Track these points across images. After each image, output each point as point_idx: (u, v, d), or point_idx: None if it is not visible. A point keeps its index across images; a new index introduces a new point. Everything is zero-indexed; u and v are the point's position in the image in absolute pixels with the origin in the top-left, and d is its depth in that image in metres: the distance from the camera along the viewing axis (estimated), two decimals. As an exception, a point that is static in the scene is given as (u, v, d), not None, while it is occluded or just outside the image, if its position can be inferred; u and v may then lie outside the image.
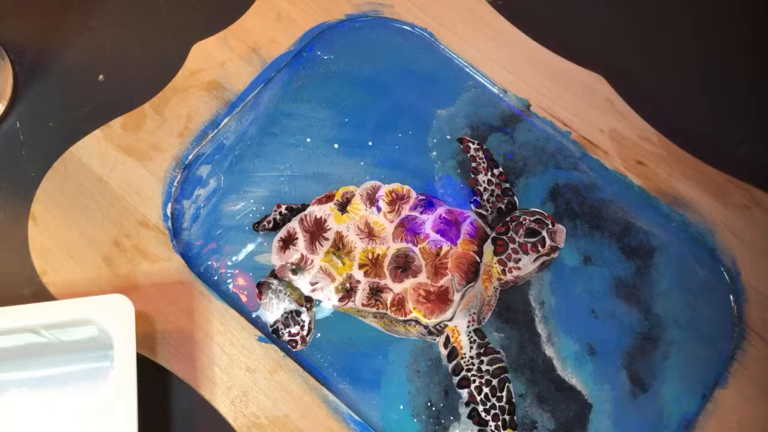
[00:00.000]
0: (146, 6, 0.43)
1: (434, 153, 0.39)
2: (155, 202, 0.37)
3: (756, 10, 0.45)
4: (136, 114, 0.39)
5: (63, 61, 0.41)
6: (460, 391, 0.35)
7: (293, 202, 0.38)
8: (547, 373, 0.36)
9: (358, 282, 0.36)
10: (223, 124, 0.39)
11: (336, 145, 0.39)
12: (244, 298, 0.36)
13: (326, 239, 0.37)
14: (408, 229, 0.37)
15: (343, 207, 0.38)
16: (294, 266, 0.37)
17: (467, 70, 0.41)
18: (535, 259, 0.37)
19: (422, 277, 0.36)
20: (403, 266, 0.36)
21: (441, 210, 0.38)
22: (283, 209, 0.38)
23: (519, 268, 0.37)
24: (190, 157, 0.38)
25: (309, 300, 0.36)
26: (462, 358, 0.35)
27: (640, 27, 0.44)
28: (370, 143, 0.39)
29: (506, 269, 0.37)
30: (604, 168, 0.39)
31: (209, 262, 0.37)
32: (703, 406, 0.35)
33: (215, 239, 0.37)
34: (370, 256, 0.37)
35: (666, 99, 0.42)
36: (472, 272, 0.36)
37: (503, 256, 0.37)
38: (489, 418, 0.34)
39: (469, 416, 0.35)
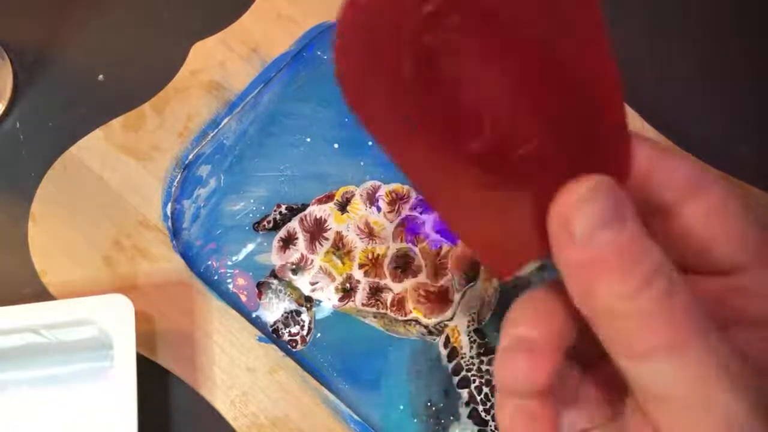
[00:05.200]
0: (146, 6, 0.43)
1: (434, 153, 0.39)
2: (155, 202, 0.37)
3: (756, 10, 0.45)
4: (136, 114, 0.39)
5: (63, 61, 0.41)
6: (460, 391, 0.35)
7: (293, 202, 0.38)
8: (547, 373, 0.36)
9: (358, 282, 0.36)
10: (223, 123, 0.39)
11: (336, 145, 0.39)
12: (244, 298, 0.36)
13: (326, 239, 0.37)
14: (408, 229, 0.37)
15: (343, 207, 0.38)
16: (294, 266, 0.37)
17: (467, 70, 0.41)
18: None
19: (422, 277, 0.36)
20: (403, 266, 0.36)
21: (441, 210, 0.38)
22: (283, 209, 0.38)
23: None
24: (190, 156, 0.38)
25: (309, 300, 0.36)
26: (462, 357, 0.35)
27: (640, 27, 0.44)
28: (370, 143, 0.39)
29: (506, 269, 0.37)
30: (604, 168, 0.39)
31: (209, 262, 0.37)
32: (703, 406, 0.35)
33: (215, 239, 0.37)
34: (370, 256, 0.37)
35: (666, 99, 0.42)
36: (472, 272, 0.36)
37: (503, 256, 0.37)
38: (489, 418, 0.34)
39: (470, 416, 0.35)
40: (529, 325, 0.21)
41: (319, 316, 0.36)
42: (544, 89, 0.19)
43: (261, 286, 0.37)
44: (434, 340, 0.36)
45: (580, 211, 0.18)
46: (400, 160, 0.21)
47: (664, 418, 0.18)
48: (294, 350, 0.36)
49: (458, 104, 0.19)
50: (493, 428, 0.34)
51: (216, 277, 0.37)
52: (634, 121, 0.40)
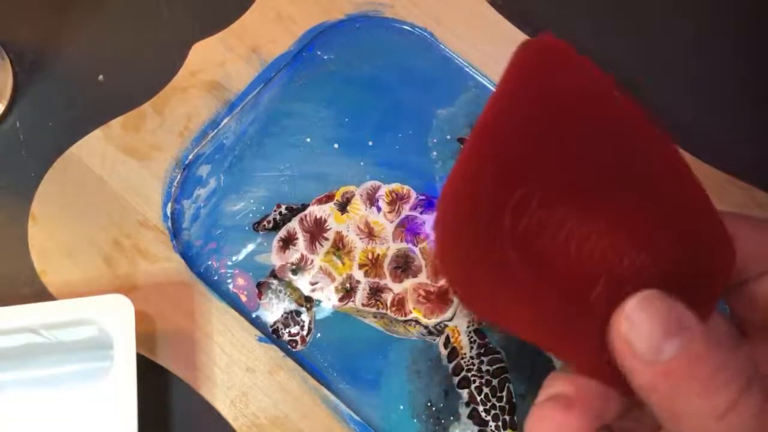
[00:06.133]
0: (146, 6, 0.43)
1: (434, 153, 0.39)
2: (155, 202, 0.37)
3: (757, 9, 0.45)
4: (136, 114, 0.39)
5: (63, 61, 0.41)
6: (461, 391, 0.35)
7: (293, 202, 0.38)
8: (547, 373, 0.35)
9: (358, 282, 0.36)
10: (223, 123, 0.39)
11: (336, 145, 0.39)
12: (244, 298, 0.36)
13: (326, 239, 0.37)
14: (408, 229, 0.37)
15: (343, 207, 0.38)
16: (294, 266, 0.37)
17: (467, 70, 0.41)
18: (535, 259, 0.37)
19: (422, 278, 0.36)
20: (403, 266, 0.36)
21: (441, 210, 0.38)
22: (283, 209, 0.38)
23: (519, 268, 0.37)
24: (190, 157, 0.38)
25: (309, 300, 0.36)
26: (462, 358, 0.35)
27: (640, 27, 0.44)
28: (370, 143, 0.39)
29: (506, 269, 0.37)
30: (604, 168, 0.39)
31: (209, 262, 0.37)
32: (703, 406, 0.35)
33: (215, 239, 0.37)
34: (370, 256, 0.37)
35: (665, 99, 0.42)
36: (472, 272, 0.36)
37: (503, 256, 0.37)
38: (489, 418, 0.34)
39: (470, 416, 0.35)
40: (567, 383, 0.20)
41: (319, 316, 0.36)
42: (639, 229, 0.19)
43: (261, 286, 0.37)
44: (434, 340, 0.36)
45: (637, 325, 0.17)
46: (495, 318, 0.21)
47: None
48: (294, 350, 0.36)
49: (567, 266, 0.19)
50: (493, 428, 0.34)
51: (216, 277, 0.37)
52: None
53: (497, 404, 0.34)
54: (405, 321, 0.36)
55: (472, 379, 0.35)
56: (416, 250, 0.37)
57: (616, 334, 0.18)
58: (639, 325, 0.17)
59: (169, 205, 0.37)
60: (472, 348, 0.35)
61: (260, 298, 0.36)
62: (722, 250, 0.19)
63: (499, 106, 0.19)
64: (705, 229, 0.19)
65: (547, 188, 0.19)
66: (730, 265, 0.19)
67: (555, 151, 0.19)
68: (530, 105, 0.19)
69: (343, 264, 0.37)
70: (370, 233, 0.37)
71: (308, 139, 0.39)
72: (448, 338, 0.36)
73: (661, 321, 0.17)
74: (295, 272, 0.37)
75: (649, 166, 0.19)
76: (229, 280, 0.37)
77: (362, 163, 0.39)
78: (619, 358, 0.18)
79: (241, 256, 0.37)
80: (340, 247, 0.37)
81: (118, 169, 0.37)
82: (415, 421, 0.35)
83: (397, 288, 0.36)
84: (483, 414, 0.34)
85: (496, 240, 0.19)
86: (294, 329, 0.36)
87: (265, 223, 0.38)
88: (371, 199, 0.38)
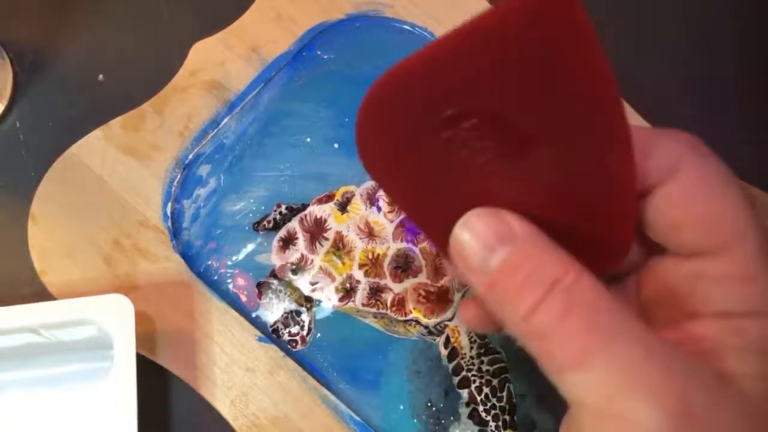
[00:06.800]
0: (146, 6, 0.43)
1: (434, 153, 0.39)
2: (155, 201, 0.37)
3: (757, 9, 0.45)
4: (136, 114, 0.39)
5: (63, 61, 0.41)
6: (461, 391, 0.35)
7: (293, 202, 0.38)
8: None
9: (358, 282, 0.36)
10: (223, 123, 0.39)
11: (336, 145, 0.39)
12: (244, 298, 0.36)
13: (326, 239, 0.37)
14: (408, 228, 0.37)
15: (343, 207, 0.38)
16: (294, 266, 0.37)
17: (467, 70, 0.41)
18: (536, 259, 0.37)
19: (422, 277, 0.36)
20: (404, 266, 0.36)
21: (441, 210, 0.38)
22: (283, 209, 0.38)
23: (519, 268, 0.37)
24: (190, 156, 0.38)
25: (309, 300, 0.36)
26: (462, 358, 0.35)
27: (640, 26, 0.44)
28: (370, 143, 0.39)
29: (506, 269, 0.37)
30: (604, 168, 0.39)
31: (209, 262, 0.37)
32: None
33: (215, 239, 0.37)
34: (370, 256, 0.37)
35: (665, 98, 0.42)
36: (472, 272, 0.36)
37: (503, 256, 0.37)
38: (489, 418, 0.34)
39: (470, 416, 0.35)
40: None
41: (319, 316, 0.36)
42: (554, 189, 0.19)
43: (261, 286, 0.37)
44: (434, 340, 0.36)
45: (468, 240, 0.19)
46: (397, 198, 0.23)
47: (583, 425, 0.17)
48: (294, 350, 0.36)
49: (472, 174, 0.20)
50: (493, 428, 0.34)
51: (216, 277, 0.37)
52: (635, 121, 0.40)
53: (497, 404, 0.34)
54: (405, 321, 0.36)
55: (472, 379, 0.35)
56: (416, 250, 0.37)
57: (453, 242, 0.19)
58: (472, 235, 0.19)
59: (169, 204, 0.37)
60: (472, 348, 0.35)
61: (260, 298, 0.36)
62: (620, 235, 0.20)
63: (489, 18, 0.18)
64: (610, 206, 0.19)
65: (489, 112, 0.19)
66: (624, 249, 0.20)
67: (512, 85, 0.19)
68: (511, 32, 0.19)
69: (343, 264, 0.37)
70: (370, 233, 0.37)
71: (308, 139, 0.39)
72: (448, 338, 0.36)
73: (490, 231, 0.19)
74: (295, 272, 0.37)
75: (586, 128, 0.19)
76: (229, 280, 0.37)
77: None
78: (459, 269, 0.20)
79: (241, 256, 0.37)
80: (340, 247, 0.37)
81: (118, 169, 0.37)
82: (415, 421, 0.35)
83: (397, 288, 0.36)
84: (483, 414, 0.34)
85: (427, 123, 0.19)
86: (294, 329, 0.36)
87: (265, 223, 0.38)
88: (371, 199, 0.38)
